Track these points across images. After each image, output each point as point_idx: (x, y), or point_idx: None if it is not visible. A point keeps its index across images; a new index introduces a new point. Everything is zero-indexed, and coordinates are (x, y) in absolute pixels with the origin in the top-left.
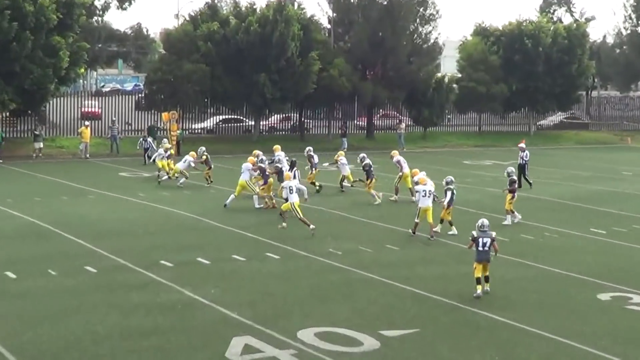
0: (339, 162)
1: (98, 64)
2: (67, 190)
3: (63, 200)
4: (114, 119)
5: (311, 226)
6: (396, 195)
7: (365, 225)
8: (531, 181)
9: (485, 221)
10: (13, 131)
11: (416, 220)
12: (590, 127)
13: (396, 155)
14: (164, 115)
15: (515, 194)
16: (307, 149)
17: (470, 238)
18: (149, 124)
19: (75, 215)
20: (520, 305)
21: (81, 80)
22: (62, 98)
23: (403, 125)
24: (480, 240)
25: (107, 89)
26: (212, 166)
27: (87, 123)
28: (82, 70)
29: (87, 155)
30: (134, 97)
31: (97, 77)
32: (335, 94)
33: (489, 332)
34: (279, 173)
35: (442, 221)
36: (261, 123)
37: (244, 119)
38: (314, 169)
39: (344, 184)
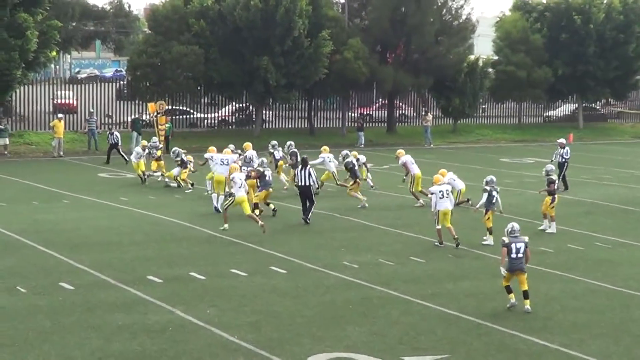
0: (324, 160)
1: (72, 46)
2: (37, 194)
3: (33, 206)
4: (91, 110)
5: (260, 223)
6: (419, 200)
7: (386, 234)
8: (568, 184)
9: (516, 225)
10: None
11: (437, 227)
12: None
13: (402, 156)
14: (150, 106)
15: (556, 196)
16: (272, 143)
17: (502, 244)
18: (133, 116)
19: (48, 222)
20: (568, 327)
21: (52, 66)
22: (30, 86)
23: (430, 117)
24: (513, 246)
25: (84, 76)
26: (192, 168)
27: (60, 115)
28: (54, 53)
29: (61, 153)
30: (114, 84)
31: (71, 62)
32: (350, 81)
33: (530, 359)
34: (261, 177)
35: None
36: (210, 115)
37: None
38: (276, 167)
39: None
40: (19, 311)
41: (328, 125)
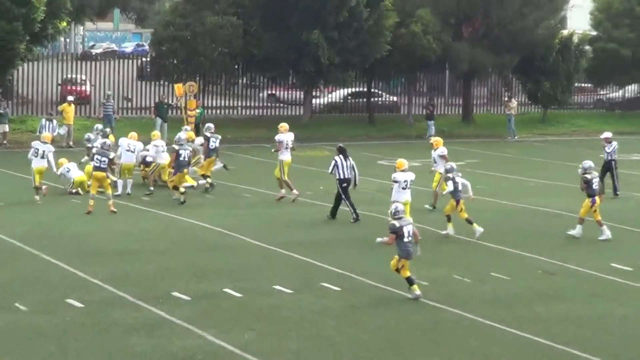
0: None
1: (86, 16)
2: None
3: (36, 206)
4: (108, 92)
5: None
6: (435, 204)
7: (462, 245)
8: (618, 186)
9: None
10: None
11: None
12: None
13: (440, 146)
14: (177, 87)
15: (596, 198)
16: (208, 125)
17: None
18: (157, 100)
19: (54, 226)
20: None
21: (62, 39)
22: (35, 63)
23: (514, 103)
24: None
25: (99, 51)
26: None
27: (70, 98)
28: (64, 24)
29: (71, 143)
30: (135, 62)
31: (84, 35)
32: (417, 59)
33: None
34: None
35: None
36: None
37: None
38: (203, 156)
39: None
40: (18, 333)
41: (391, 113)
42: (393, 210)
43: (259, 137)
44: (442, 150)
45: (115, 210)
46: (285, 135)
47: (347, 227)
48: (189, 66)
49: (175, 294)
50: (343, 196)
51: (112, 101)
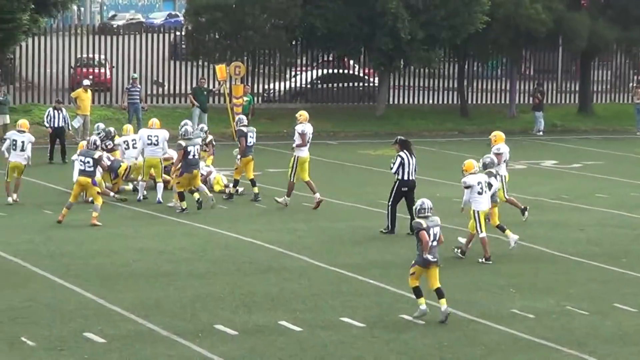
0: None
1: None
2: (51, 199)
3: (45, 217)
4: (134, 75)
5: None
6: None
7: (578, 268)
8: None
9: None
10: None
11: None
12: None
13: (500, 143)
14: (219, 69)
15: None
16: (239, 118)
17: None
18: (195, 85)
19: (67, 241)
20: None
21: (75, 8)
22: (42, 38)
23: None
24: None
25: (121, 23)
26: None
27: (86, 83)
28: None
29: (87, 137)
30: (166, 36)
31: (102, 2)
32: (522, 34)
33: None
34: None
35: None
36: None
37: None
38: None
39: None
40: None
41: (488, 101)
42: (418, 207)
43: (322, 132)
44: (498, 148)
45: (98, 223)
46: (308, 127)
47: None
48: (234, 42)
49: (219, 327)
50: (390, 202)
51: (139, 86)
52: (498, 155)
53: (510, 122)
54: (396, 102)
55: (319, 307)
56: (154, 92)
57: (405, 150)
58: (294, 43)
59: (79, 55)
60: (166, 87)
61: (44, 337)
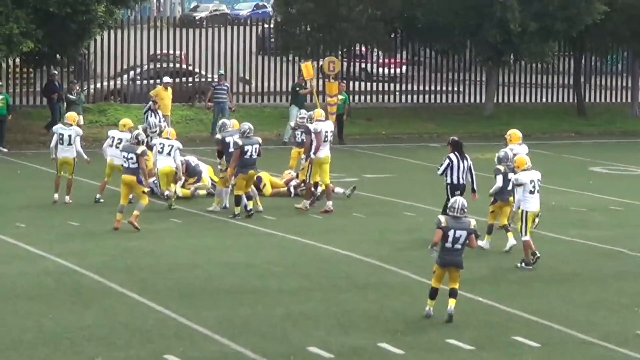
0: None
1: None
2: (127, 207)
3: (120, 227)
4: (221, 72)
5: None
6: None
7: None
8: None
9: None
10: (27, 94)
11: (525, 238)
12: None
13: (516, 142)
14: (305, 67)
15: None
16: (309, 114)
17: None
18: (294, 82)
19: (145, 254)
20: None
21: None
22: (119, 32)
23: None
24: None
25: (204, 14)
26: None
27: (167, 80)
28: None
29: None
30: (254, 30)
31: None
32: None
33: None
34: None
35: None
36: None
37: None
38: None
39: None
40: None
41: (608, 100)
42: (450, 204)
43: (424, 133)
44: (511, 148)
45: (137, 225)
46: (325, 125)
47: (546, 258)
48: (327, 35)
49: (312, 349)
50: (445, 208)
51: (226, 84)
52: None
53: (633, 123)
54: (505, 100)
55: (423, 327)
56: (240, 90)
57: (456, 152)
58: (393, 36)
59: (157, 51)
60: (253, 85)
61: (120, 359)
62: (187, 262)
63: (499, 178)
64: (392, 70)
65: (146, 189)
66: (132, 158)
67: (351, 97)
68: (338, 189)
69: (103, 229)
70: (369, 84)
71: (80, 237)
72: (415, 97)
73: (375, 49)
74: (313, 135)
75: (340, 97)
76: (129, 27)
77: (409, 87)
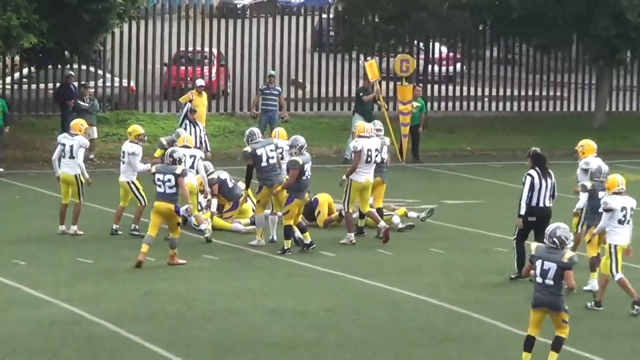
0: None
1: None
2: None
3: (149, 267)
4: (271, 73)
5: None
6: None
7: None
8: None
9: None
10: (29, 100)
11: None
12: None
13: (590, 155)
14: (370, 67)
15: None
16: (302, 140)
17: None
18: (359, 86)
19: (172, 299)
20: None
21: None
22: (140, 24)
23: None
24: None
25: (247, 2)
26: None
27: (200, 83)
28: None
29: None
30: (309, 21)
31: None
32: None
33: None
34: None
35: None
36: None
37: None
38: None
39: None
40: None
41: None
42: (547, 231)
43: (518, 150)
44: (587, 162)
45: (181, 261)
46: (368, 142)
47: None
48: (400, 28)
49: None
50: (515, 236)
51: (278, 88)
52: (584, 171)
53: None
54: (620, 108)
55: None
56: (291, 95)
57: (537, 168)
58: (481, 28)
59: (187, 47)
60: (307, 89)
61: None
62: (225, 309)
63: (584, 196)
64: (479, 71)
65: (180, 220)
66: (169, 181)
67: (429, 104)
68: (412, 213)
69: (121, 268)
70: (450, 88)
71: (94, 278)
72: (507, 104)
73: (459, 45)
74: (353, 152)
75: (415, 104)
76: (155, 17)
77: (500, 92)
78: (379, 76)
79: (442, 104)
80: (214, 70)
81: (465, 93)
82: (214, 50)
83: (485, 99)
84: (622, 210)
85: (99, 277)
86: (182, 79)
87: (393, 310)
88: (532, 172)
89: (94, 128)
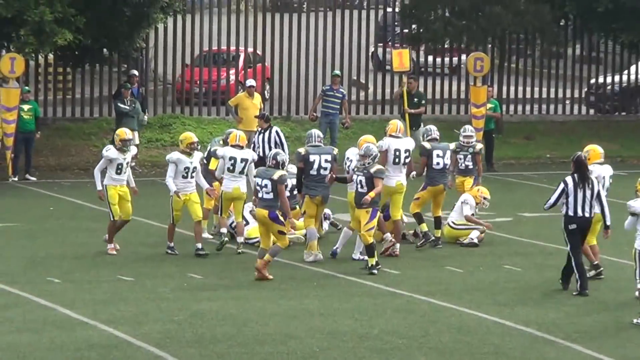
0: None
1: None
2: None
3: (189, 283)
4: (336, 72)
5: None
6: None
7: None
8: None
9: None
10: (64, 103)
11: None
12: None
13: (595, 161)
14: (398, 55)
15: None
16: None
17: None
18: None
19: (225, 321)
20: None
21: None
22: (187, 20)
23: None
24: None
25: None
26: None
27: (250, 82)
28: None
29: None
30: (372, 15)
31: None
32: None
33: None
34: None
35: None
36: None
37: None
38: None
39: None
40: None
41: None
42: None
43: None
44: (591, 170)
45: (269, 276)
46: (398, 142)
47: None
48: (473, 23)
49: None
50: (569, 249)
51: (342, 90)
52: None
53: None
54: None
55: None
56: (353, 97)
57: (576, 174)
58: (562, 24)
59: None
60: (370, 91)
61: None
62: (280, 332)
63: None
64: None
65: (284, 229)
66: (265, 186)
67: (504, 106)
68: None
69: (165, 286)
70: (528, 90)
71: (135, 297)
72: (591, 107)
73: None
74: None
75: (489, 105)
76: (202, 12)
77: (584, 94)
78: (408, 67)
79: (519, 107)
80: (232, 72)
81: (544, 95)
82: (242, 49)
83: (567, 102)
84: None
85: (140, 296)
86: (197, 82)
87: (462, 333)
88: (568, 178)
89: (136, 133)
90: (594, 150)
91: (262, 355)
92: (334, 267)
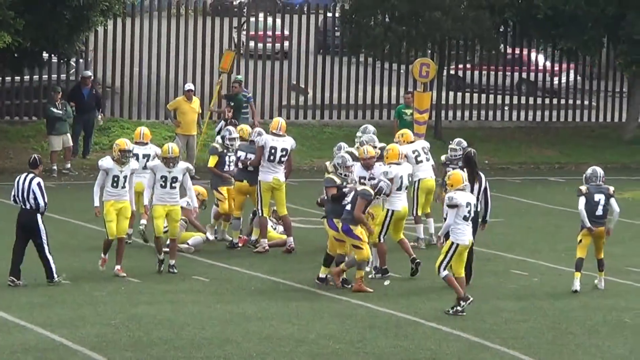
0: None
1: None
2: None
3: (138, 286)
4: (238, 77)
5: None
6: None
7: None
8: None
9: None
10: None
11: None
12: None
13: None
14: (226, 56)
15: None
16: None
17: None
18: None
19: (163, 325)
20: None
21: None
22: (127, 22)
23: None
24: None
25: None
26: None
27: (189, 87)
28: None
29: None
30: (312, 20)
31: None
32: None
33: None
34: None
35: None
36: None
37: None
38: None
39: None
40: None
41: None
42: None
43: (541, 163)
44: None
45: (369, 289)
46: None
47: None
48: (412, 29)
49: None
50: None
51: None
52: None
53: None
54: None
55: None
56: (292, 102)
57: (466, 169)
58: (501, 30)
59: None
60: (310, 95)
61: None
62: (217, 336)
63: (581, 200)
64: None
65: (359, 243)
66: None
67: (442, 113)
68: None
69: (102, 290)
70: (467, 96)
71: (72, 301)
72: (529, 113)
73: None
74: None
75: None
76: (142, 15)
77: (522, 101)
78: (229, 68)
79: (458, 113)
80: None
81: (483, 101)
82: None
83: (506, 108)
84: (466, 206)
85: (77, 299)
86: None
87: (399, 338)
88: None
89: (69, 136)
90: (392, 150)
91: (198, 359)
92: (271, 272)
